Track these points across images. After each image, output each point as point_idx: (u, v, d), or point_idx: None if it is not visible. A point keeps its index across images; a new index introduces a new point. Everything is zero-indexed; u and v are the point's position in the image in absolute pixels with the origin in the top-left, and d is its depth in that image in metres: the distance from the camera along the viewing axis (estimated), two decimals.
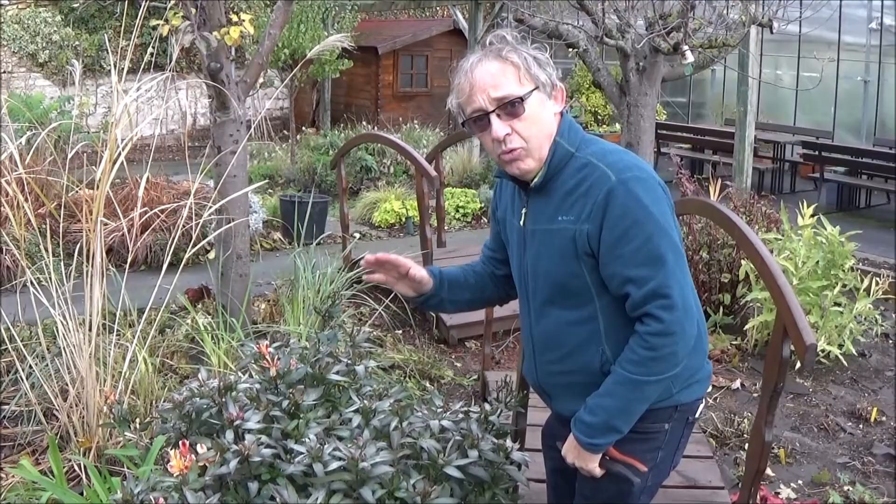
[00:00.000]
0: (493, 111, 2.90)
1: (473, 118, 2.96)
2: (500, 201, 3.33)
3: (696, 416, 3.22)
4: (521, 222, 3.12)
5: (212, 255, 7.07)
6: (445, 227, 10.42)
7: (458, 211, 13.50)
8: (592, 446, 2.97)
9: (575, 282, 2.96)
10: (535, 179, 3.00)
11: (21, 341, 5.65)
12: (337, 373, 3.63)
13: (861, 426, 6.40)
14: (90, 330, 5.23)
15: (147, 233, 9.52)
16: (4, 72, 18.14)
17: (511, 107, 2.89)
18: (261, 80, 6.99)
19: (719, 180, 9.35)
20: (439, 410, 3.42)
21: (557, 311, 3.06)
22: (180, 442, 3.04)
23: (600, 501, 3.15)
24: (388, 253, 3.33)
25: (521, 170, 2.98)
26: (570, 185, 2.93)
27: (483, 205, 13.55)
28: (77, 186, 6.20)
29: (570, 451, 3.06)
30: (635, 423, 2.99)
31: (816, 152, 14.84)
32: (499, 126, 2.91)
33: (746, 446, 5.55)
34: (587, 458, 3.01)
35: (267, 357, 3.57)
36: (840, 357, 7.30)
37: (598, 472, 3.03)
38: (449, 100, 3.06)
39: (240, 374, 3.87)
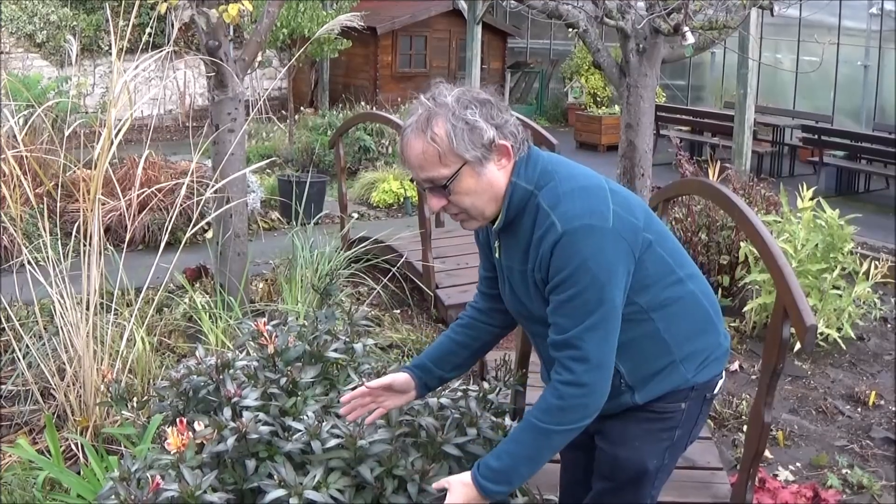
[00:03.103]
0: (426, 188, 2.90)
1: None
2: (480, 229, 3.24)
3: (715, 392, 3.21)
4: (497, 255, 3.09)
5: (210, 234, 7.05)
6: None
7: None
8: (492, 493, 2.88)
9: None
10: (496, 224, 2.96)
11: (18, 320, 5.64)
12: (335, 350, 3.62)
13: (859, 410, 6.40)
14: (87, 309, 5.22)
15: (145, 212, 9.49)
16: (2, 52, 18.08)
17: (440, 189, 2.85)
18: (259, 58, 6.95)
19: (718, 163, 9.34)
20: (437, 389, 3.42)
21: None
22: (177, 420, 3.03)
23: (620, 480, 3.12)
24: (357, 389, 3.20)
25: (470, 228, 3.01)
26: (530, 228, 2.87)
27: None
28: (75, 166, 6.18)
29: (459, 492, 2.89)
30: (652, 403, 2.99)
31: (816, 136, 14.80)
32: (433, 200, 2.90)
33: (745, 428, 5.55)
34: None
35: (265, 334, 3.55)
36: (839, 340, 7.29)
37: None
38: None
39: (237, 351, 3.87)
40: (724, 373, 3.22)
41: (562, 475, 3.57)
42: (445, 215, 10.22)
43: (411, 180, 3.01)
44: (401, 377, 3.23)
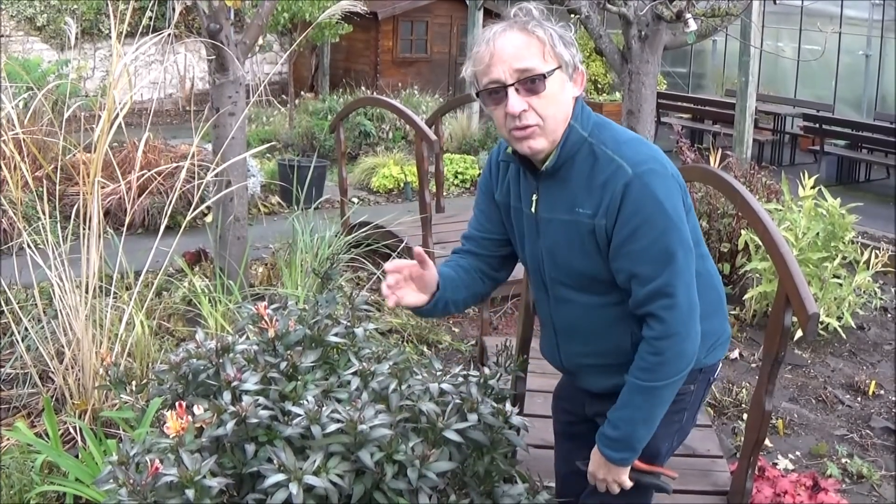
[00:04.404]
0: (513, 85, 2.74)
1: (489, 90, 2.80)
2: (500, 185, 3.17)
3: (716, 375, 3.22)
4: (532, 209, 2.99)
5: (209, 218, 7.03)
6: (444, 193, 10.40)
7: (456, 177, 13.46)
8: (622, 461, 2.94)
9: (600, 273, 2.88)
10: (547, 163, 2.86)
11: (17, 303, 5.63)
12: (336, 335, 3.61)
13: (859, 399, 6.40)
14: (87, 292, 5.21)
15: (144, 195, 9.49)
16: (2, 36, 18.03)
17: (531, 82, 2.73)
18: (260, 42, 6.94)
19: (719, 150, 9.32)
20: (438, 374, 3.40)
21: (583, 297, 2.97)
22: (177, 403, 3.01)
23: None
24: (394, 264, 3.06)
25: (533, 149, 2.83)
26: (586, 174, 2.82)
27: (482, 171, 13.47)
28: (75, 149, 6.17)
29: (600, 468, 3.00)
30: None
31: (817, 125, 14.78)
32: (516, 101, 2.75)
33: (745, 416, 5.55)
34: (617, 473, 2.97)
35: (265, 318, 3.54)
36: (839, 329, 7.29)
37: (628, 483, 3.00)
38: (464, 67, 2.89)
39: (237, 335, 3.85)
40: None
41: (559, 466, 3.55)
42: (445, 200, 10.22)
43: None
44: (432, 271, 3.06)
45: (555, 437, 3.54)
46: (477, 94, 2.89)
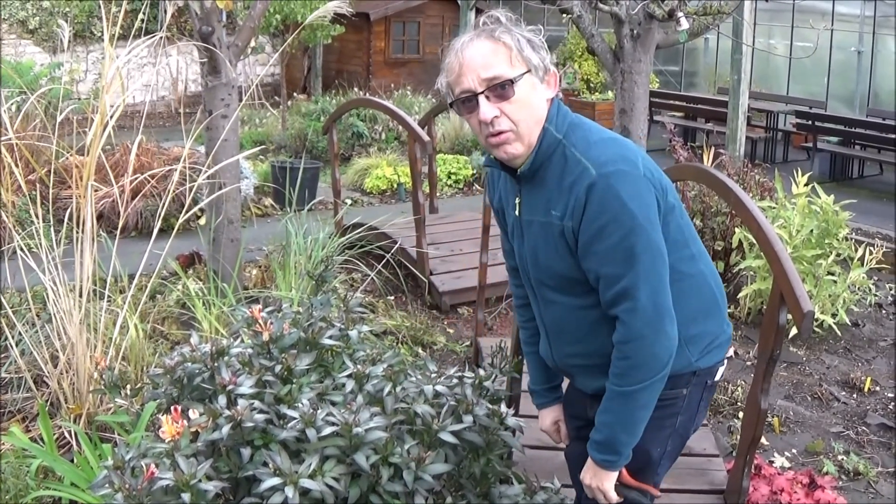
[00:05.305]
0: (482, 92, 2.80)
1: (461, 99, 2.85)
2: (495, 190, 3.23)
3: (717, 378, 3.19)
4: (517, 212, 3.04)
5: (203, 220, 7.02)
6: (437, 194, 10.39)
7: (450, 177, 13.44)
8: (606, 463, 2.96)
9: (576, 274, 2.89)
10: (523, 166, 2.91)
11: (11, 308, 5.62)
12: (330, 337, 3.60)
13: (855, 396, 6.40)
14: (80, 296, 5.20)
15: (138, 198, 9.47)
16: None
17: (501, 88, 2.78)
18: (252, 44, 6.93)
19: (712, 148, 9.32)
20: (433, 375, 3.39)
21: (564, 298, 3.00)
22: (172, 407, 3.01)
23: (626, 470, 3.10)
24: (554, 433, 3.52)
25: (509, 154, 2.87)
26: (557, 176, 2.84)
27: (475, 171, 13.48)
28: (67, 152, 6.15)
29: (588, 470, 3.04)
30: None
31: (810, 122, 14.78)
32: (487, 108, 2.80)
33: (741, 414, 5.55)
34: (603, 477, 2.99)
35: (260, 321, 3.53)
36: (834, 326, 7.30)
37: (612, 496, 3.01)
38: (438, 79, 2.94)
39: (231, 338, 3.84)
40: (725, 361, 3.20)
41: (572, 471, 3.54)
42: (439, 201, 10.22)
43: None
44: (556, 413, 3.50)
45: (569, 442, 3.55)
46: (451, 105, 2.93)
